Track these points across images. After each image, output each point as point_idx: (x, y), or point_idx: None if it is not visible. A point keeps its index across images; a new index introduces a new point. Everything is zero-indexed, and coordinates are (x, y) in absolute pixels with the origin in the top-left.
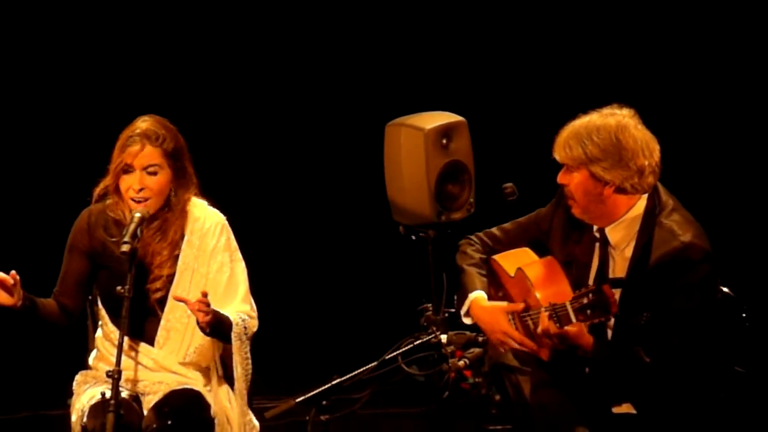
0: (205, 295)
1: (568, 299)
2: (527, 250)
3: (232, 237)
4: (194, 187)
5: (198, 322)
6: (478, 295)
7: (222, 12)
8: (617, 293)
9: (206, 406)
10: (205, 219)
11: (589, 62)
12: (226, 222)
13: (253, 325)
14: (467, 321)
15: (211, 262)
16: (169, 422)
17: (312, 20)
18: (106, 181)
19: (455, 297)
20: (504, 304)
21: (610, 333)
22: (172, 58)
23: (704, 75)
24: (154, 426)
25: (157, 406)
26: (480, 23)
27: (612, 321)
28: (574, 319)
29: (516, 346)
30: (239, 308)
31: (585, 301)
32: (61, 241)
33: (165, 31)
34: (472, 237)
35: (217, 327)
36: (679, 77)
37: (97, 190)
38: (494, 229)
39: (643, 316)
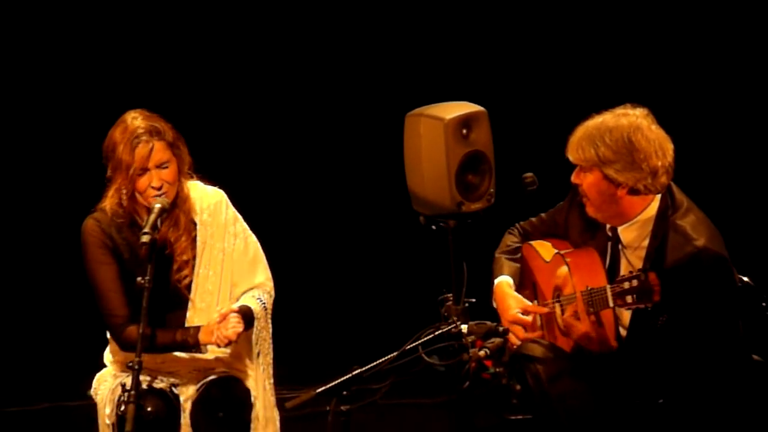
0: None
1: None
2: (563, 241)
3: (235, 210)
4: (190, 168)
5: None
6: (501, 280)
7: (240, 6)
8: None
9: (246, 391)
10: (206, 197)
11: (609, 54)
12: (225, 195)
13: (270, 299)
14: (495, 305)
15: (226, 236)
16: (220, 414)
17: (331, 11)
18: (118, 185)
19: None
20: (522, 299)
21: (623, 332)
22: (193, 58)
23: (723, 73)
24: (200, 417)
25: (201, 399)
26: (500, 13)
27: (627, 322)
28: (611, 303)
29: (522, 335)
30: (260, 281)
31: (627, 286)
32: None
33: (188, 30)
34: (514, 225)
35: (247, 324)
36: (697, 73)
37: (108, 201)
38: (529, 221)
39: (660, 319)
